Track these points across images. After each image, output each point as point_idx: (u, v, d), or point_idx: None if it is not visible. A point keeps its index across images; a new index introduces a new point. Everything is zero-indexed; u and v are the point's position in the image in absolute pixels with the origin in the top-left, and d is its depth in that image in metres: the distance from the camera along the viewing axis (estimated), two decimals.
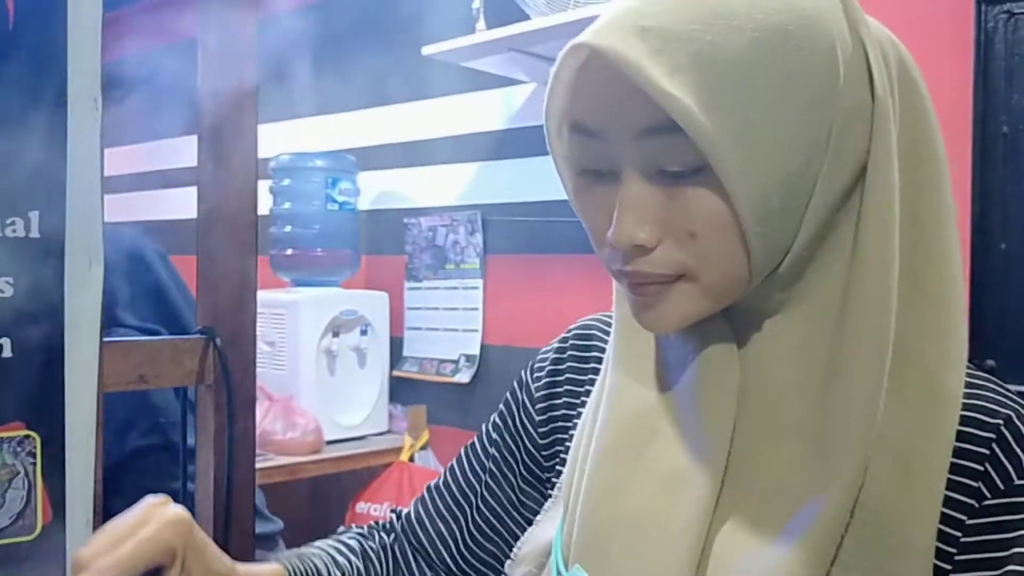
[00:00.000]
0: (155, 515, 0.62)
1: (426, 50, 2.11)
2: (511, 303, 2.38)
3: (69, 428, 0.84)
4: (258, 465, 2.08)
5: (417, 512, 0.83)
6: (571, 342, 0.80)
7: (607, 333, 0.77)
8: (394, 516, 0.86)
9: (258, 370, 2.39)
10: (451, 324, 2.51)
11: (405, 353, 2.60)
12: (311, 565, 0.76)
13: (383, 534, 0.84)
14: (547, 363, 0.80)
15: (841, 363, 0.58)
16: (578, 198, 0.63)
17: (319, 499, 2.59)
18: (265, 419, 2.27)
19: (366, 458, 2.40)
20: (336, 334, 2.46)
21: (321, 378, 2.42)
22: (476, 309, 2.45)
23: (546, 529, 0.72)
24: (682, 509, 0.60)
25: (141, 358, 0.93)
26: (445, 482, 0.83)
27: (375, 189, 2.69)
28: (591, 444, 0.67)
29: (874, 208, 0.58)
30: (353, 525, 0.87)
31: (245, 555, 1.03)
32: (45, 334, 0.84)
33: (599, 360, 0.76)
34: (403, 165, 2.63)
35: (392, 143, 2.65)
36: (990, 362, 1.52)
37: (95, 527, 0.87)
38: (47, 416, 0.84)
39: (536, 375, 0.80)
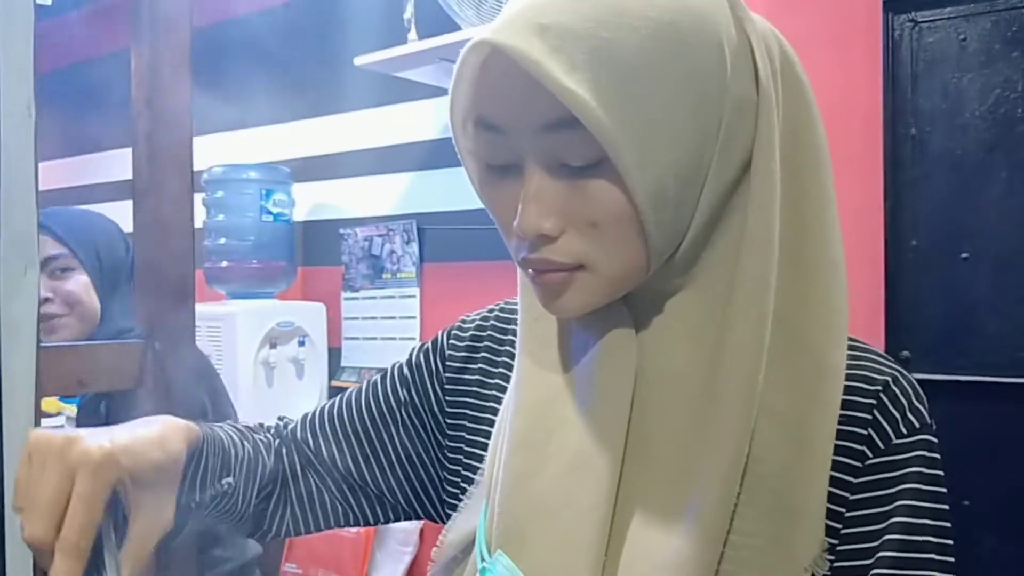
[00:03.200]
0: (79, 463, 0.61)
1: (358, 61, 2.13)
2: (448, 310, 2.41)
3: (7, 433, 0.85)
4: None
5: (316, 438, 0.82)
6: (492, 322, 0.82)
7: None
8: (280, 424, 0.86)
9: None
10: (389, 333, 2.52)
11: (343, 363, 2.61)
12: (215, 434, 0.76)
13: (267, 435, 0.84)
14: (467, 335, 0.82)
15: (726, 340, 0.62)
16: (485, 191, 0.66)
17: None
18: None
19: None
20: (274, 346, 2.45)
21: (259, 390, 2.41)
22: (414, 318, 2.47)
23: (470, 517, 0.74)
24: (588, 491, 0.63)
25: (79, 362, 0.93)
26: (352, 419, 0.82)
27: (310, 200, 2.70)
28: (505, 435, 0.69)
29: (758, 196, 0.62)
30: None
31: (182, 551, 1.04)
32: None
33: (514, 344, 0.78)
34: (338, 176, 2.64)
35: (326, 154, 2.67)
36: (905, 353, 1.60)
37: None
38: None
39: (453, 343, 0.82)
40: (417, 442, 0.81)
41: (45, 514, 0.60)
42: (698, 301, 0.65)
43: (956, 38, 1.54)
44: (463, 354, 0.81)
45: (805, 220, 0.64)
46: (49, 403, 2.22)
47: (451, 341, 0.82)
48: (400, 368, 0.84)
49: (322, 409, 0.85)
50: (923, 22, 1.57)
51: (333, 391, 2.59)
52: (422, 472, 0.81)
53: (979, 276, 1.54)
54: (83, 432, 0.63)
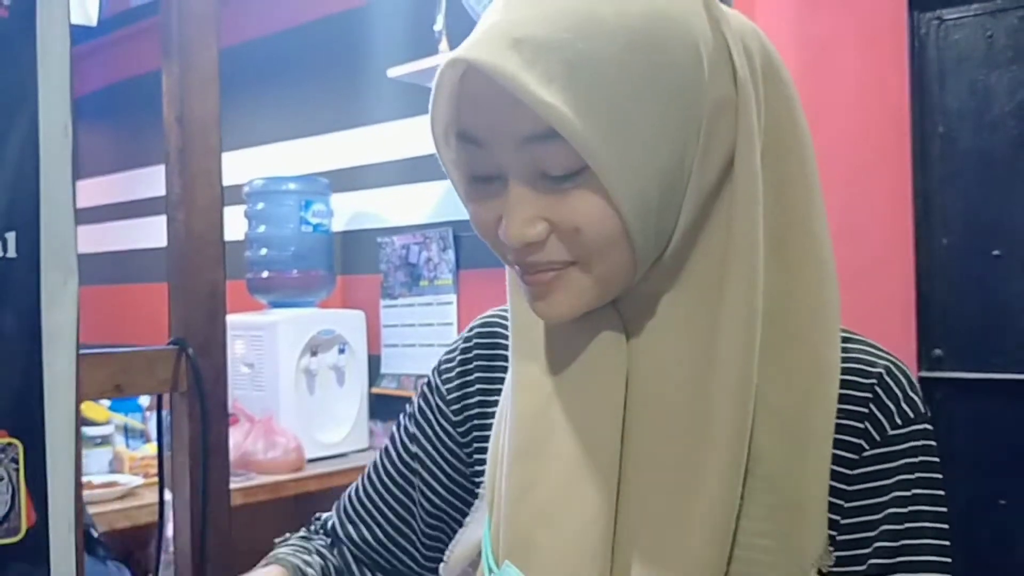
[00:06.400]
0: None
1: (391, 72, 2.17)
2: None
3: (49, 435, 0.89)
4: (240, 485, 2.12)
5: (354, 525, 0.84)
6: (475, 340, 0.81)
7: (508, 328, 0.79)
8: (321, 523, 0.88)
9: (238, 392, 2.45)
10: (427, 340, 2.56)
11: (383, 370, 2.65)
12: (295, 565, 0.79)
13: (321, 538, 0.86)
14: (455, 364, 0.82)
15: (717, 340, 0.62)
16: (470, 202, 0.66)
17: (302, 517, 2.61)
18: (247, 439, 2.31)
19: (348, 475, 2.43)
20: (314, 353, 2.50)
21: (301, 397, 2.46)
22: (451, 324, 2.50)
23: (475, 530, 0.75)
24: (589, 498, 0.64)
25: (116, 368, 0.97)
26: (376, 494, 0.84)
27: (348, 210, 2.74)
28: (505, 444, 0.70)
29: (741, 194, 0.62)
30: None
31: (223, 555, 1.07)
32: (24, 347, 0.89)
33: (505, 357, 0.78)
34: (375, 186, 2.69)
35: (363, 165, 2.71)
36: (937, 352, 1.59)
37: (77, 530, 0.91)
38: (28, 424, 0.89)
39: (445, 376, 0.82)
40: (443, 488, 0.81)
41: None
42: (687, 302, 0.64)
43: (983, 35, 1.53)
44: (457, 382, 0.81)
45: (789, 216, 0.64)
46: (98, 412, 2.29)
47: (442, 376, 0.82)
48: (404, 426, 0.84)
49: (351, 492, 0.86)
50: (949, 19, 1.56)
51: (373, 398, 2.63)
52: (458, 515, 0.81)
53: (1011, 273, 1.53)
54: None
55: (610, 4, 0.58)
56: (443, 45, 2.12)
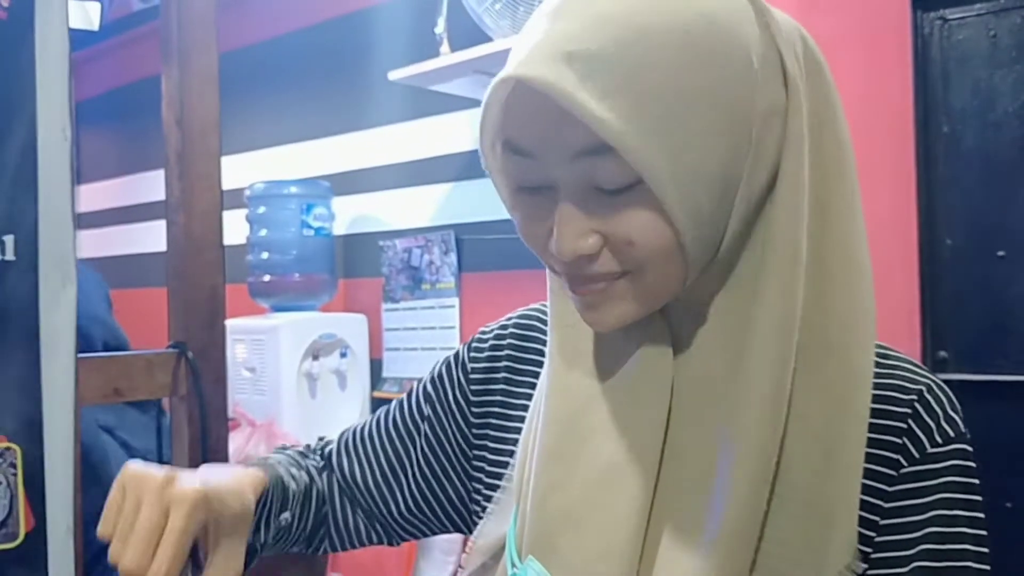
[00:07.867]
0: (174, 501, 0.64)
1: (392, 75, 2.17)
2: (487, 320, 2.40)
3: (48, 440, 0.88)
4: None
5: (349, 459, 0.86)
6: (511, 330, 0.82)
7: (547, 324, 0.79)
8: (321, 446, 0.89)
9: (240, 396, 2.44)
10: (429, 343, 2.55)
11: (385, 374, 2.64)
12: (277, 474, 0.79)
13: (316, 458, 0.87)
14: (486, 346, 0.82)
15: (750, 346, 0.61)
16: (517, 211, 0.66)
17: None
18: (248, 444, 2.30)
19: None
20: (316, 357, 2.49)
21: (303, 401, 2.45)
22: (453, 327, 2.49)
23: (499, 523, 0.75)
24: (621, 500, 0.63)
25: (115, 372, 0.97)
26: (379, 438, 0.85)
27: (350, 213, 2.74)
28: (536, 442, 0.70)
29: (785, 202, 0.61)
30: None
31: None
32: (23, 350, 0.88)
33: (539, 352, 0.78)
34: (376, 189, 2.68)
35: (365, 168, 2.71)
36: (942, 353, 1.58)
37: (76, 534, 0.90)
38: (27, 429, 0.88)
39: (474, 355, 0.82)
40: (442, 456, 0.82)
41: (141, 544, 0.63)
42: (732, 310, 0.64)
43: (986, 34, 1.52)
44: (484, 364, 0.81)
45: (830, 222, 0.63)
46: None
47: (471, 353, 0.83)
48: (424, 385, 0.85)
49: (357, 428, 0.88)
50: (952, 19, 1.55)
51: (375, 402, 2.63)
52: (447, 486, 0.82)
53: (1016, 274, 1.52)
54: (179, 472, 0.67)
55: (658, 14, 0.57)
56: (444, 48, 2.11)
